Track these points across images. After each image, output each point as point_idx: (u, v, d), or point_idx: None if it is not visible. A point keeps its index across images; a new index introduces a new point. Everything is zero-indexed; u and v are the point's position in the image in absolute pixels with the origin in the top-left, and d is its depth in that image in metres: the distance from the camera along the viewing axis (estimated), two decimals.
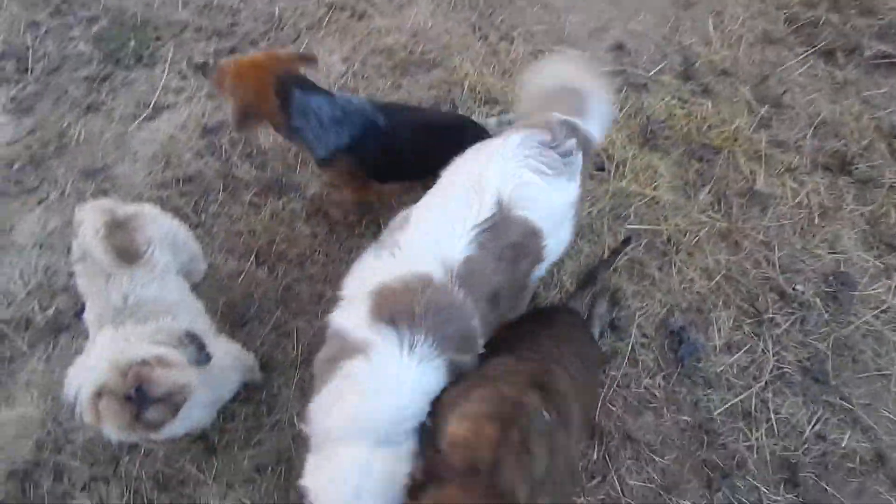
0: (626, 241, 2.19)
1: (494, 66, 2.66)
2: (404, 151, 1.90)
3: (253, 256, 2.18)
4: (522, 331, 1.57)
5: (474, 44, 2.74)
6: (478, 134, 1.92)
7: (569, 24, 2.83)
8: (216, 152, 2.44)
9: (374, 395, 1.23)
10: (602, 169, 2.37)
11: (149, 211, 1.79)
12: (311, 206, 2.28)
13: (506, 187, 1.40)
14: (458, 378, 1.30)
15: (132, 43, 2.78)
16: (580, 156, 1.54)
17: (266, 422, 1.90)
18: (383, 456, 1.19)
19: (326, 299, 2.03)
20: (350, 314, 1.34)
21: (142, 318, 1.53)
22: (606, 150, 2.38)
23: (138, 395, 1.29)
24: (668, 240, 2.23)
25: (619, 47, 2.73)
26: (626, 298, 2.10)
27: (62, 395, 1.39)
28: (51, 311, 2.10)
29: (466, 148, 1.70)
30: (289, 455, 1.83)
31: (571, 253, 2.13)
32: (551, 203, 1.48)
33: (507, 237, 1.39)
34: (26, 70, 2.77)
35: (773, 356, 1.98)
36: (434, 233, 1.39)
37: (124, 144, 2.49)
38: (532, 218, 1.42)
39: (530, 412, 1.13)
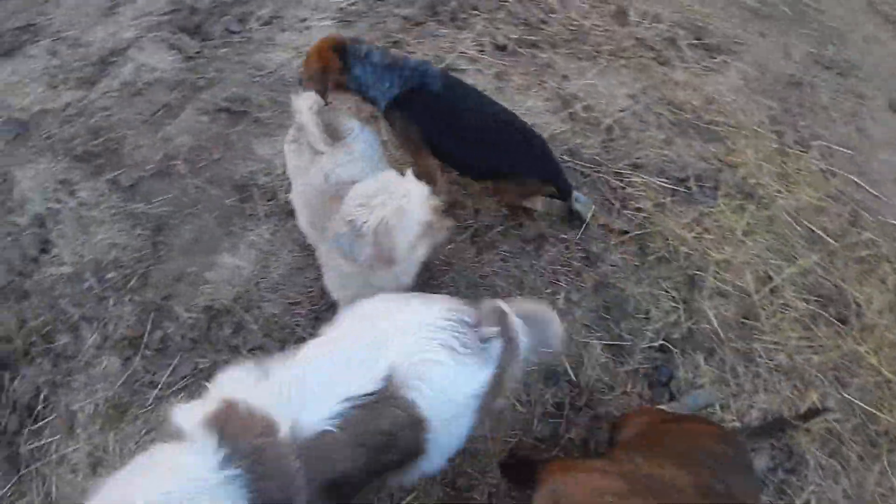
0: (826, 410, 1.96)
1: (778, 165, 2.49)
2: (458, 129, 1.93)
3: None
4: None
5: (766, 135, 2.59)
6: (538, 158, 1.97)
7: (876, 161, 2.55)
8: None
9: (159, 483, 1.10)
10: (845, 322, 2.13)
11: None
12: None
13: (404, 361, 1.23)
14: None
15: (453, 2, 3.00)
16: (500, 348, 1.34)
17: None
18: None
19: None
20: (195, 404, 1.23)
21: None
22: (858, 304, 2.14)
23: None
24: (886, 433, 1.95)
25: None
26: (805, 466, 1.88)
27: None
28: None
29: (516, 161, 1.89)
30: None
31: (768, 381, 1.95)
32: (453, 389, 1.28)
33: (379, 423, 1.21)
34: None
35: None
36: (303, 386, 1.22)
37: None
38: (421, 404, 1.23)
39: None
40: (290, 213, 2.35)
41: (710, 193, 2.42)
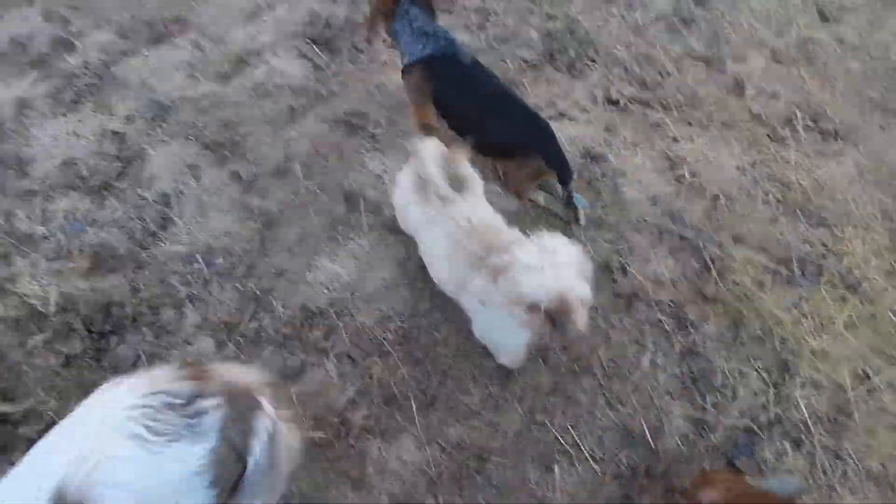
0: None
1: (887, 261, 2.44)
2: (468, 97, 2.18)
3: None
4: None
5: (877, 228, 2.54)
6: (544, 140, 2.15)
7: None
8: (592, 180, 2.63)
9: None
10: None
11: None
12: None
13: (76, 472, 1.10)
14: None
15: (571, 52, 3.08)
16: (219, 419, 1.22)
17: None
18: None
19: None
20: None
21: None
22: None
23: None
24: None
25: None
26: None
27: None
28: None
29: (523, 138, 2.13)
30: None
31: None
32: (153, 477, 1.16)
33: None
34: (483, 27, 3.23)
35: None
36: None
37: None
38: None
39: None
40: (391, 230, 2.45)
41: (813, 279, 2.38)
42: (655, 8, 3.34)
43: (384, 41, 2.68)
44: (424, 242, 1.99)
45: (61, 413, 1.98)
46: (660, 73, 3.09)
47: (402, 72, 2.33)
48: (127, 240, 2.39)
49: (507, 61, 3.03)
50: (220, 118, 2.71)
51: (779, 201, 2.59)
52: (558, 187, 2.40)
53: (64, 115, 2.67)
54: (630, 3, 3.34)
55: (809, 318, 2.29)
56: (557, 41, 3.13)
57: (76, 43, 2.94)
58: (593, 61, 3.07)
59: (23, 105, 2.69)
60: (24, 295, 2.26)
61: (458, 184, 1.84)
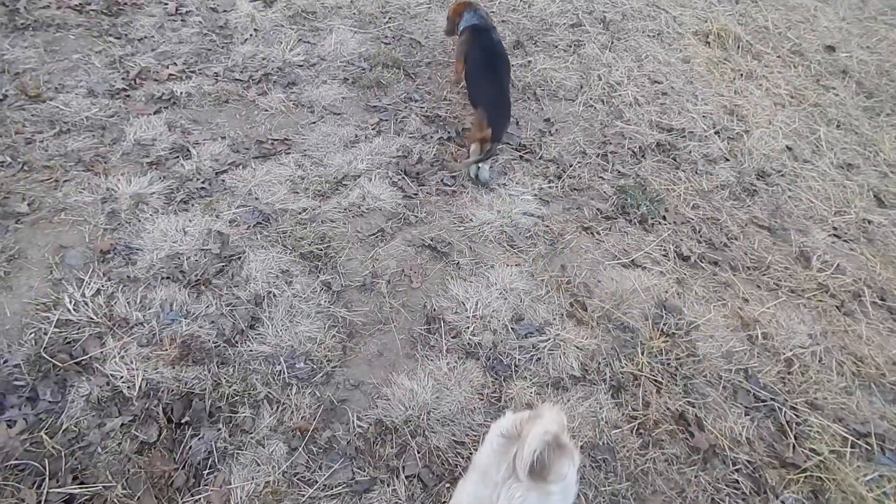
0: None
1: None
2: (479, 62, 3.43)
3: None
4: None
5: None
6: (500, 111, 3.36)
7: None
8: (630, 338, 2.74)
9: None
10: None
11: (578, 455, 1.82)
12: None
13: None
14: None
15: (643, 208, 3.35)
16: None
17: None
18: None
19: None
20: None
21: None
22: None
23: None
24: None
25: None
26: None
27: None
28: None
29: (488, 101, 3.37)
30: None
31: None
32: None
33: None
34: (560, 176, 3.55)
35: None
36: None
37: (596, 270, 2.99)
38: None
39: None
40: (470, 354, 2.55)
41: (893, 458, 2.38)
42: (719, 176, 3.65)
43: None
44: (465, 479, 1.86)
45: (125, 502, 2.01)
46: (726, 236, 3.31)
47: (458, 35, 3.63)
48: (216, 335, 2.53)
49: (584, 209, 3.29)
50: (317, 231, 2.96)
51: (853, 374, 2.65)
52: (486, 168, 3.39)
53: (175, 213, 2.95)
54: (696, 169, 3.66)
55: (893, 500, 2.25)
56: (629, 197, 3.41)
57: (192, 151, 3.30)
58: (664, 218, 3.31)
59: (139, 200, 2.98)
60: (112, 375, 2.37)
61: (542, 473, 1.68)
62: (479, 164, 3.37)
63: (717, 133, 3.88)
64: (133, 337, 2.48)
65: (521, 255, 3.00)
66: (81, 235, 2.77)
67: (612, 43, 4.48)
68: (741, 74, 4.37)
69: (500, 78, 3.35)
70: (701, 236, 3.25)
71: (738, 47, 4.60)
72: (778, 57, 4.59)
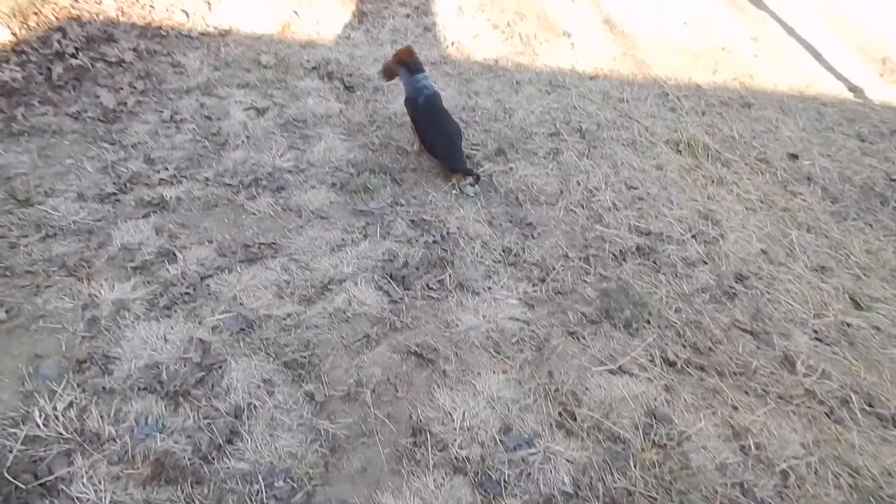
0: None
1: None
2: (426, 122, 4.22)
3: None
4: None
5: None
6: (455, 156, 4.26)
7: None
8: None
9: None
10: None
11: None
12: None
13: None
14: None
15: (627, 312, 3.39)
16: None
17: None
18: None
19: None
20: None
21: None
22: None
23: None
24: None
25: None
26: None
27: None
28: None
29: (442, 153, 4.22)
30: None
31: None
32: None
33: None
34: (544, 280, 3.60)
35: None
36: None
37: (583, 377, 2.97)
38: None
39: None
40: (458, 470, 2.47)
41: None
42: (699, 279, 3.74)
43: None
44: None
45: None
46: (710, 340, 3.34)
47: (405, 103, 4.30)
48: (192, 451, 2.43)
49: (569, 313, 3.32)
50: (301, 338, 2.93)
51: (851, 486, 2.61)
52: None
53: (157, 319, 2.91)
54: (676, 272, 3.76)
55: None
56: (613, 300, 3.46)
57: (179, 255, 3.32)
58: (648, 322, 3.35)
59: (121, 306, 2.95)
60: (77, 499, 2.24)
61: None
62: (462, 183, 4.15)
63: (693, 237, 4.02)
64: (104, 454, 2.37)
65: (508, 361, 2.98)
66: (58, 344, 2.71)
67: (588, 151, 4.72)
68: (712, 181, 4.59)
69: (443, 129, 4.14)
70: (686, 340, 3.28)
71: (708, 155, 4.87)
72: (746, 164, 4.86)
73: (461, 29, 6.36)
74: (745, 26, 7.10)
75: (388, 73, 4.37)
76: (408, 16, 6.29)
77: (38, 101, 4.28)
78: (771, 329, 3.45)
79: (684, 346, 3.25)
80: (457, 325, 3.16)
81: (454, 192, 4.19)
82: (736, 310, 3.57)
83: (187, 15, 5.70)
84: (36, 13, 4.92)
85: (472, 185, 4.18)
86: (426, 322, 3.17)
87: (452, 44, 6.10)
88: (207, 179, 3.94)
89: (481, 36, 6.29)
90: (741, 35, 6.94)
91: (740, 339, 3.35)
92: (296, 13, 6.14)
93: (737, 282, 3.78)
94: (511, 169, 4.44)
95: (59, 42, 4.69)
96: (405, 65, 4.22)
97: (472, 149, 4.60)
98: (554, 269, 3.66)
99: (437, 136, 4.11)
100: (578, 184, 4.39)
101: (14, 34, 4.65)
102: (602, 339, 3.21)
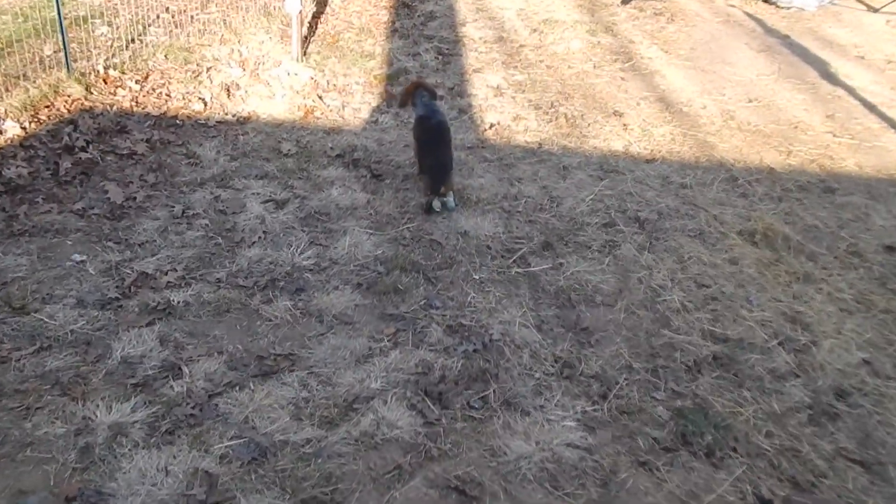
0: None
1: None
2: (424, 142, 5.07)
3: None
4: None
5: None
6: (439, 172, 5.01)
7: None
8: None
9: None
10: None
11: None
12: None
13: None
14: None
15: (708, 437, 3.25)
16: None
17: None
18: None
19: None
20: None
21: None
22: None
23: None
24: None
25: None
26: None
27: None
28: None
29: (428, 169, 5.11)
30: None
31: None
32: None
33: None
34: (605, 396, 3.51)
35: None
36: None
37: None
38: None
39: None
40: None
41: None
42: (792, 396, 3.60)
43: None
44: None
45: None
46: (812, 473, 3.17)
47: (416, 121, 5.02)
48: None
49: (637, 438, 3.20)
50: (322, 470, 2.88)
51: None
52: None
53: (158, 447, 2.90)
54: (763, 387, 3.63)
55: None
56: (690, 422, 3.33)
57: (184, 369, 3.35)
58: (734, 450, 3.21)
59: (118, 431, 2.96)
60: None
61: None
62: (441, 200, 4.86)
63: (780, 344, 3.92)
64: None
65: (569, 498, 2.86)
66: (46, 476, 2.72)
67: (650, 243, 4.73)
68: (797, 277, 4.52)
69: (442, 152, 4.89)
70: (782, 473, 3.13)
71: (790, 247, 4.83)
72: (835, 258, 4.79)
73: (500, 110, 6.63)
74: (819, 104, 7.24)
75: (406, 96, 5.12)
76: (441, 97, 6.60)
77: (43, 198, 4.54)
78: (885, 458, 3.27)
79: (781, 480, 3.10)
80: (504, 454, 3.08)
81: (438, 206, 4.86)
82: (840, 434, 3.40)
83: (205, 103, 6.09)
84: (48, 106, 5.32)
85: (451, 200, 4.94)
86: (468, 449, 3.10)
87: (491, 126, 6.34)
88: (219, 281, 4.04)
89: (522, 118, 6.53)
90: (815, 112, 7.06)
91: (849, 472, 3.18)
92: (320, 97, 6.50)
93: (838, 399, 3.63)
94: (561, 265, 4.46)
95: (69, 135, 5.03)
96: (425, 88, 5.12)
97: (515, 242, 4.65)
98: (617, 383, 3.59)
99: (433, 158, 4.89)
100: (640, 281, 4.38)
101: (24, 128, 5.01)
102: (680, 472, 3.08)
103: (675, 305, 4.20)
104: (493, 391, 3.44)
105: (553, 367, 3.63)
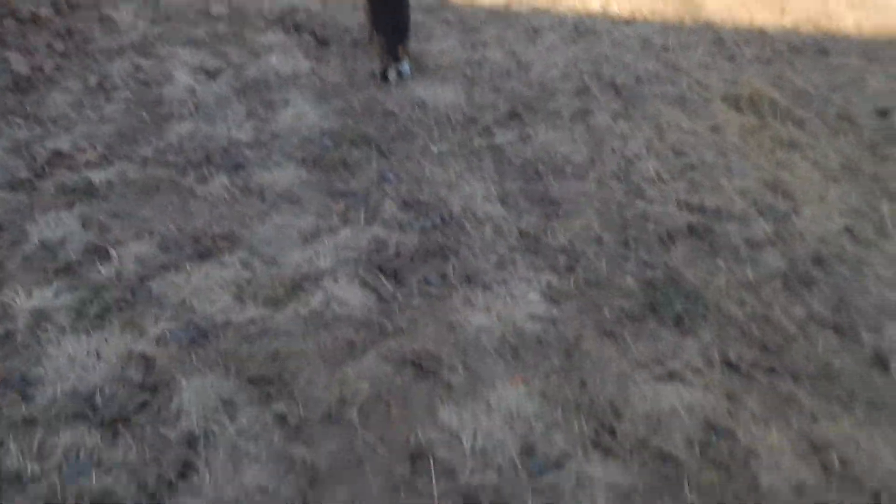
0: None
1: None
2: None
3: None
4: None
5: None
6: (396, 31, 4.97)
7: None
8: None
9: None
10: None
11: None
12: None
13: None
14: None
15: (678, 306, 3.41)
16: None
17: None
18: None
19: None
20: None
21: None
22: None
23: None
24: None
25: None
26: None
27: None
28: None
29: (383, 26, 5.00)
30: None
31: None
32: None
33: None
34: (572, 269, 3.64)
35: None
36: None
37: (624, 386, 3.01)
38: None
39: None
40: (469, 500, 2.51)
41: None
42: (767, 264, 3.76)
43: None
44: None
45: None
46: (782, 337, 3.36)
47: None
48: (136, 489, 2.47)
49: (604, 309, 3.35)
50: (268, 349, 2.97)
51: None
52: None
53: (87, 332, 2.96)
54: (738, 257, 3.78)
55: None
56: (660, 293, 3.48)
57: (112, 252, 3.37)
58: (704, 318, 3.38)
59: (41, 317, 3.00)
60: None
61: None
62: (397, 66, 4.88)
63: (759, 212, 4.04)
64: (27, 498, 2.41)
65: (530, 370, 3.01)
66: None
67: (626, 110, 4.76)
68: (782, 144, 4.61)
69: (391, 11, 4.87)
70: (752, 339, 3.31)
71: (776, 113, 4.89)
72: (823, 123, 4.87)
73: None
74: None
75: None
76: None
77: None
78: (858, 322, 3.47)
79: (750, 346, 3.28)
80: (464, 328, 3.20)
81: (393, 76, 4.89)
82: (814, 300, 3.59)
83: None
84: None
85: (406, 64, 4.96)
86: (425, 325, 3.21)
87: None
88: (146, 159, 3.99)
89: None
90: None
91: (820, 336, 3.38)
92: None
93: (815, 266, 3.80)
94: (529, 135, 4.48)
95: None
96: None
97: (478, 112, 4.63)
98: (585, 255, 3.70)
99: (388, 18, 4.84)
100: (613, 151, 4.43)
101: None
102: (647, 340, 3.25)
103: (650, 175, 4.28)
104: (453, 267, 3.52)
105: (518, 241, 3.72)
